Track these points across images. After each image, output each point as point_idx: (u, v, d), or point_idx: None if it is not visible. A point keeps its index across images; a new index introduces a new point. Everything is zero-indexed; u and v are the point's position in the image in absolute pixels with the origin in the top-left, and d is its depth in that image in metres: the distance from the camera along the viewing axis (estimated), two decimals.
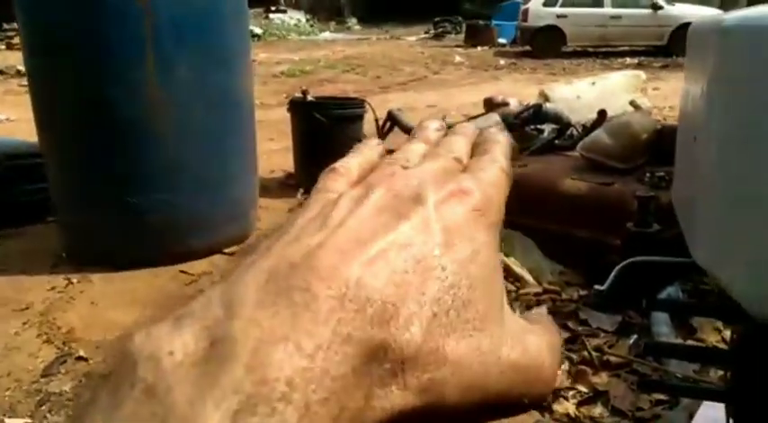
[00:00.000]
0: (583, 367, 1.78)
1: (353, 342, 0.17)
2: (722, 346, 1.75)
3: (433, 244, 0.20)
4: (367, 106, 3.77)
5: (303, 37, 19.22)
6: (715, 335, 1.85)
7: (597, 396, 1.68)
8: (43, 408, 1.71)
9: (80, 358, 1.96)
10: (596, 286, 1.31)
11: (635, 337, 1.87)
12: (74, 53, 2.41)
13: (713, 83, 0.75)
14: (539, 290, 2.25)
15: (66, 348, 2.02)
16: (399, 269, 0.19)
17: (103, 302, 2.35)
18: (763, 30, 0.68)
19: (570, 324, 2.01)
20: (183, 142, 2.55)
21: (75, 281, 2.52)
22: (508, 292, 2.25)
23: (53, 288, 2.47)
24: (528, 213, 2.50)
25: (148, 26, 2.37)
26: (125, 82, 2.42)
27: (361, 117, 3.72)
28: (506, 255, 2.42)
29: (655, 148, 2.44)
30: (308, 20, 21.56)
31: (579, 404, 1.66)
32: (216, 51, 2.59)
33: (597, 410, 1.64)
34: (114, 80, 2.42)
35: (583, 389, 1.71)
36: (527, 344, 0.22)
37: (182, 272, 2.58)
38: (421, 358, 0.18)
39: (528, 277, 2.31)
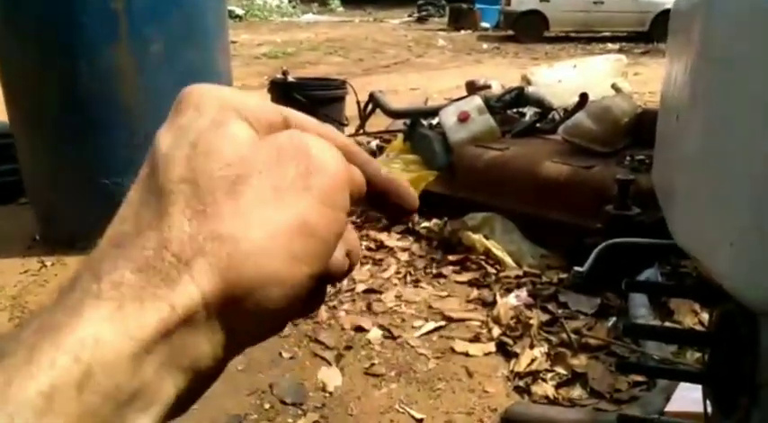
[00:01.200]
0: (562, 350, 1.79)
1: None
2: (699, 328, 1.77)
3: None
4: (349, 88, 3.72)
5: (285, 18, 18.93)
6: (692, 317, 1.87)
7: (576, 378, 1.70)
8: None
9: None
10: (576, 268, 1.32)
11: (613, 319, 1.89)
12: (43, 30, 2.33)
13: (698, 60, 0.74)
14: (519, 272, 2.26)
15: None
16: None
17: None
18: (750, 6, 0.67)
19: (550, 307, 2.02)
20: (158, 122, 2.48)
21: (49, 264, 2.47)
22: (489, 274, 2.27)
23: (26, 271, 2.41)
24: (509, 196, 2.50)
25: (120, 1, 2.29)
26: (96, 60, 2.35)
27: (342, 98, 3.67)
28: (487, 237, 2.42)
29: (635, 132, 2.44)
30: (290, 1, 21.23)
31: (558, 386, 1.67)
32: (191, 29, 2.53)
33: (576, 392, 1.65)
34: (85, 58, 2.34)
35: (562, 371, 1.72)
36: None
37: None
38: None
39: (508, 260, 2.32)
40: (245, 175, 0.22)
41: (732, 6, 0.67)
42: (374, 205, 0.27)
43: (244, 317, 0.21)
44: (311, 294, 0.23)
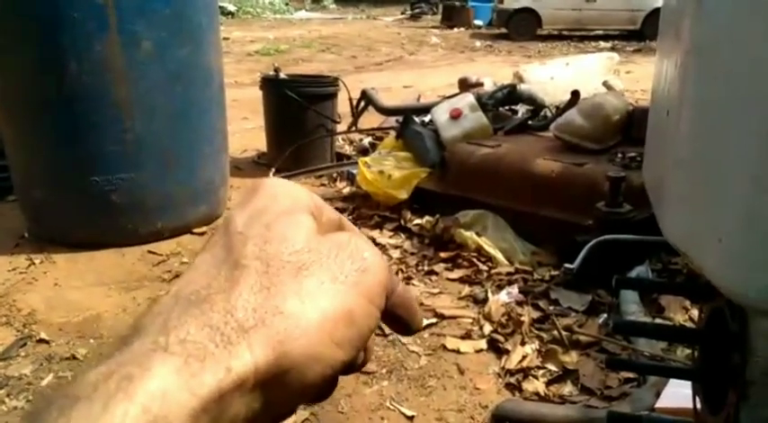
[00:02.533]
0: (553, 346, 1.79)
1: None
2: (690, 324, 1.78)
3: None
4: (341, 85, 3.71)
5: (278, 15, 18.86)
6: (682, 313, 1.88)
7: (567, 374, 1.70)
8: (1, 391, 1.66)
9: (41, 341, 1.91)
10: (566, 265, 1.31)
11: (604, 316, 1.89)
12: (31, 25, 2.31)
13: (688, 56, 0.74)
14: (511, 269, 2.26)
15: (27, 331, 1.96)
16: None
17: (67, 283, 2.28)
18: (739, 2, 0.66)
19: (541, 304, 2.02)
20: (149, 120, 2.47)
21: (37, 261, 2.45)
22: (480, 271, 2.26)
23: (14, 269, 2.39)
24: (501, 193, 2.50)
25: None
26: (86, 56, 2.33)
27: (334, 95, 3.66)
28: (479, 234, 2.42)
29: (627, 129, 2.45)
30: None
31: (549, 383, 1.67)
32: (182, 25, 2.50)
33: (567, 389, 1.65)
34: (74, 54, 2.32)
35: (553, 368, 1.72)
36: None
37: (150, 252, 2.52)
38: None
39: (500, 257, 2.32)
40: (310, 263, 0.24)
41: (723, 2, 0.67)
42: (386, 316, 0.29)
43: (282, 389, 0.23)
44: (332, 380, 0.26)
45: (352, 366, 0.27)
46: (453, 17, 15.09)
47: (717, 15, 0.67)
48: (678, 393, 1.38)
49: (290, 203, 0.27)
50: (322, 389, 0.25)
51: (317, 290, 0.24)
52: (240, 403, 0.21)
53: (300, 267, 0.24)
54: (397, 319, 0.29)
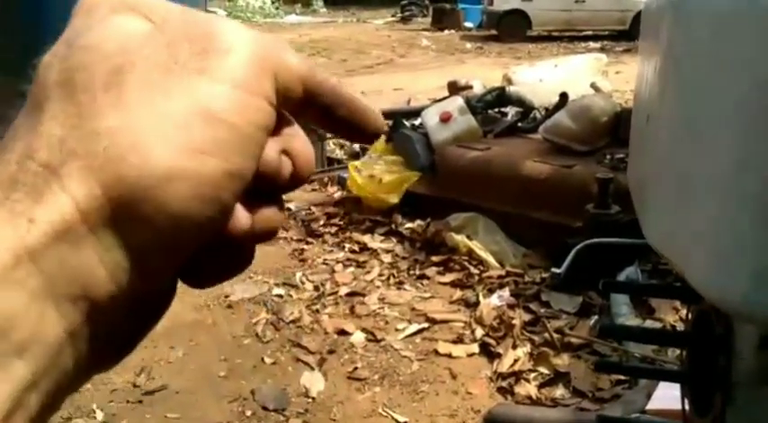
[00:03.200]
0: (545, 349, 1.80)
1: None
2: (680, 324, 1.79)
3: None
4: None
5: (268, 19, 18.85)
6: (673, 314, 1.88)
7: (558, 377, 1.70)
8: None
9: None
10: (553, 269, 1.31)
11: (595, 318, 1.89)
12: (16, 37, 2.29)
13: (666, 61, 0.74)
14: (502, 272, 2.26)
15: None
16: None
17: None
18: (722, 5, 0.67)
19: (532, 306, 2.03)
20: None
21: None
22: (472, 274, 2.27)
23: None
24: (491, 196, 2.50)
25: None
26: None
27: None
28: (470, 238, 2.42)
29: (615, 130, 2.46)
30: (273, 2, 21.15)
31: (541, 386, 1.68)
32: None
33: (558, 391, 1.65)
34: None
35: (544, 371, 1.72)
36: None
37: None
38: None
39: (491, 260, 2.32)
40: (129, 63, 0.18)
41: (700, 7, 0.67)
42: (328, 125, 0.23)
43: (144, 225, 0.17)
44: (252, 203, 0.20)
45: (269, 181, 0.20)
46: (443, 19, 15.12)
47: (694, 22, 0.67)
48: (669, 395, 1.38)
49: (105, 12, 0.19)
50: (209, 220, 0.18)
51: (143, 92, 0.18)
52: (81, 257, 0.17)
53: (115, 72, 0.18)
54: (341, 122, 0.22)
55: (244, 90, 0.19)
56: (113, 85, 0.18)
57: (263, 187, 0.20)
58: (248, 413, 1.63)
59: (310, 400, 1.68)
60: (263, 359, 1.85)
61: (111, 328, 0.18)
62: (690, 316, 0.92)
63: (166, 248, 0.18)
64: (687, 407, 0.90)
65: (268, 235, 0.21)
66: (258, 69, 0.19)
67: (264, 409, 1.65)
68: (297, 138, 0.22)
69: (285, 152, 0.21)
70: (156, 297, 0.20)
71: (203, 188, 0.18)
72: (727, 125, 0.62)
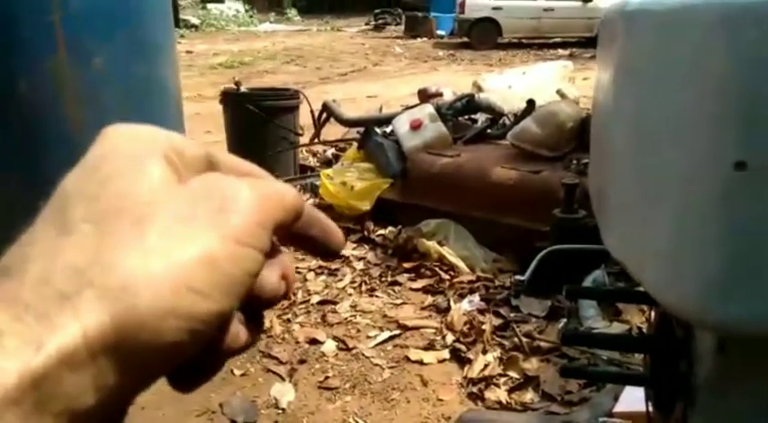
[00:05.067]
0: (514, 354, 1.81)
1: None
2: (646, 326, 1.81)
3: None
4: (302, 97, 3.69)
5: (242, 28, 18.73)
6: (639, 316, 1.91)
7: (528, 381, 1.71)
8: None
9: None
10: (517, 276, 1.33)
11: (564, 321, 1.91)
12: None
13: (620, 69, 0.75)
14: (472, 278, 2.27)
15: None
16: None
17: None
18: (667, 13, 0.68)
19: (502, 311, 2.04)
20: None
21: None
22: (443, 280, 2.27)
23: None
24: (462, 202, 2.52)
25: (58, 13, 2.22)
26: (36, 76, 2.26)
27: (295, 108, 3.64)
28: (441, 244, 2.43)
29: (581, 136, 2.49)
30: (246, 10, 21.03)
31: (511, 390, 1.68)
32: (136, 43, 2.46)
33: (528, 396, 1.66)
34: (25, 74, 2.25)
35: (514, 375, 1.73)
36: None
37: None
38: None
39: (462, 265, 2.33)
40: (154, 213, 0.21)
41: (646, 16, 0.68)
42: (299, 242, 0.27)
43: (140, 352, 0.20)
44: (244, 325, 0.24)
45: (268, 300, 0.24)
46: (416, 27, 15.23)
47: (642, 31, 0.68)
48: (635, 396, 1.40)
49: (133, 150, 0.23)
50: (192, 347, 0.21)
51: (162, 237, 0.21)
52: (77, 379, 0.19)
53: (142, 218, 0.21)
54: (311, 241, 0.27)
55: (243, 244, 0.22)
56: (137, 230, 0.21)
57: (257, 307, 0.25)
58: None
59: (280, 411, 1.66)
60: (232, 371, 1.82)
61: None
62: (651, 320, 0.93)
63: (153, 371, 0.21)
64: (651, 410, 0.92)
65: (249, 346, 0.25)
66: (260, 228, 0.23)
67: (233, 422, 1.62)
68: (284, 257, 0.26)
69: (283, 276, 0.25)
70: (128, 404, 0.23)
71: (194, 323, 0.21)
72: (679, 133, 0.63)
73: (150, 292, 0.20)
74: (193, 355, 0.22)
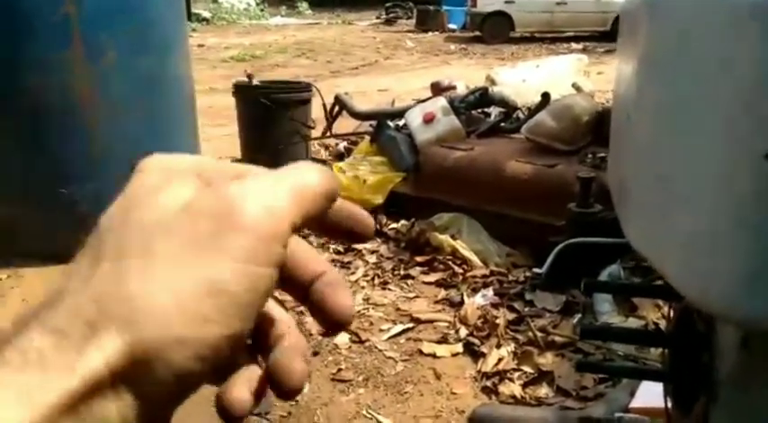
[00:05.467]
0: (528, 348, 1.80)
1: None
2: (663, 322, 1.80)
3: None
4: (314, 90, 3.69)
5: (253, 21, 18.74)
6: (655, 312, 1.90)
7: (542, 376, 1.70)
8: None
9: None
10: (535, 270, 1.32)
11: (579, 316, 1.90)
12: None
13: (643, 61, 0.74)
14: (486, 272, 2.26)
15: None
16: None
17: (36, 299, 2.22)
18: (693, 2, 0.67)
19: (516, 305, 2.03)
20: (116, 130, 2.43)
21: (4, 276, 2.39)
22: (456, 274, 2.26)
23: None
24: (475, 196, 2.51)
25: (72, 7, 2.23)
26: (51, 68, 2.28)
27: (307, 101, 3.64)
28: (454, 237, 2.42)
29: (596, 129, 2.47)
30: (257, 4, 21.03)
31: (525, 385, 1.68)
32: (148, 35, 2.47)
33: (542, 390, 1.66)
34: (39, 67, 2.27)
35: (528, 370, 1.73)
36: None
37: None
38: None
39: (475, 259, 2.32)
40: (158, 238, 0.22)
41: (673, 7, 0.67)
42: (328, 230, 0.27)
43: (154, 381, 0.21)
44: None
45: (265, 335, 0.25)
46: (428, 21, 15.15)
47: (668, 22, 0.67)
48: (652, 392, 1.38)
49: (157, 181, 0.23)
50: (205, 374, 0.22)
51: (167, 266, 0.21)
52: (103, 404, 0.20)
53: (148, 246, 0.21)
54: (344, 231, 0.27)
55: (253, 263, 0.22)
56: (145, 260, 0.21)
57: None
58: None
59: (294, 402, 1.67)
60: None
61: None
62: (672, 315, 0.92)
63: (169, 398, 0.22)
64: (670, 405, 0.91)
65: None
66: (270, 241, 0.22)
67: None
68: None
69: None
70: None
71: (204, 351, 0.21)
72: (707, 125, 0.62)
73: (157, 322, 0.20)
74: (207, 379, 0.23)
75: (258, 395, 0.25)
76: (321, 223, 0.26)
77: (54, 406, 0.19)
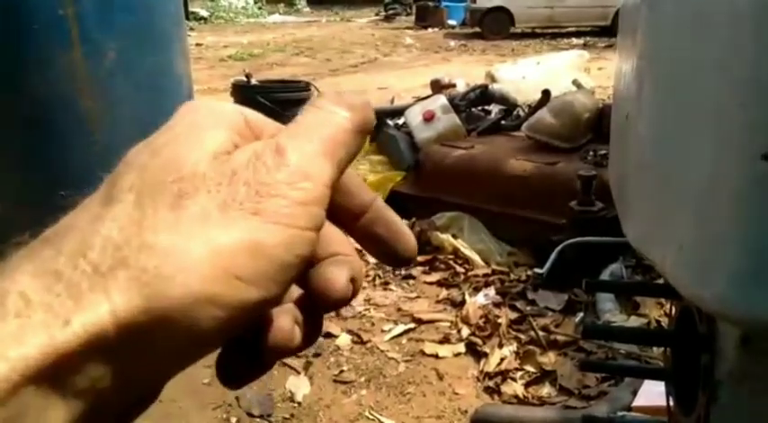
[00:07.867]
0: (531, 347, 1.79)
1: None
2: (665, 321, 1.79)
3: None
4: (313, 90, 3.68)
5: (251, 19, 18.73)
6: (658, 310, 1.89)
7: (545, 376, 1.70)
8: None
9: None
10: (536, 269, 1.31)
11: (581, 315, 1.89)
12: None
13: (642, 59, 0.73)
14: (487, 271, 2.26)
15: None
16: None
17: None
18: (690, 8, 0.66)
19: (518, 305, 2.02)
20: (116, 131, 2.42)
21: None
22: (457, 273, 2.26)
23: None
24: (476, 194, 2.50)
25: (72, 7, 2.23)
26: (49, 69, 2.27)
27: (306, 100, 3.62)
28: (455, 237, 2.41)
29: (597, 127, 2.46)
30: (255, 2, 21.01)
31: (527, 384, 1.67)
32: (147, 35, 2.46)
33: (545, 390, 1.65)
34: (38, 67, 2.26)
35: (531, 369, 1.72)
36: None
37: None
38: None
39: (477, 259, 2.31)
40: (194, 190, 0.20)
41: (673, 6, 0.66)
42: (364, 241, 0.25)
43: (173, 339, 0.19)
44: (300, 326, 0.22)
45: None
46: (427, 17, 15.13)
47: (668, 20, 0.66)
48: (654, 391, 1.38)
49: (198, 120, 0.21)
50: (228, 335, 0.20)
51: (201, 220, 0.19)
52: (101, 360, 0.18)
53: (181, 196, 0.19)
54: (376, 240, 0.24)
55: (293, 226, 0.20)
56: (176, 207, 0.19)
57: (319, 308, 0.23)
58: (233, 420, 1.61)
59: (296, 404, 1.67)
60: None
61: (110, 415, 0.19)
62: (673, 313, 0.91)
63: (184, 358, 0.20)
64: (672, 404, 0.90)
65: (303, 349, 0.24)
66: (310, 204, 0.21)
67: (250, 415, 1.63)
68: (356, 262, 0.24)
69: (352, 279, 0.23)
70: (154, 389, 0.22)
71: (236, 313, 0.19)
72: (706, 122, 0.61)
73: (189, 277, 0.18)
74: (224, 343, 0.21)
75: (306, 326, 0.23)
76: (357, 230, 0.24)
77: (31, 362, 0.16)
